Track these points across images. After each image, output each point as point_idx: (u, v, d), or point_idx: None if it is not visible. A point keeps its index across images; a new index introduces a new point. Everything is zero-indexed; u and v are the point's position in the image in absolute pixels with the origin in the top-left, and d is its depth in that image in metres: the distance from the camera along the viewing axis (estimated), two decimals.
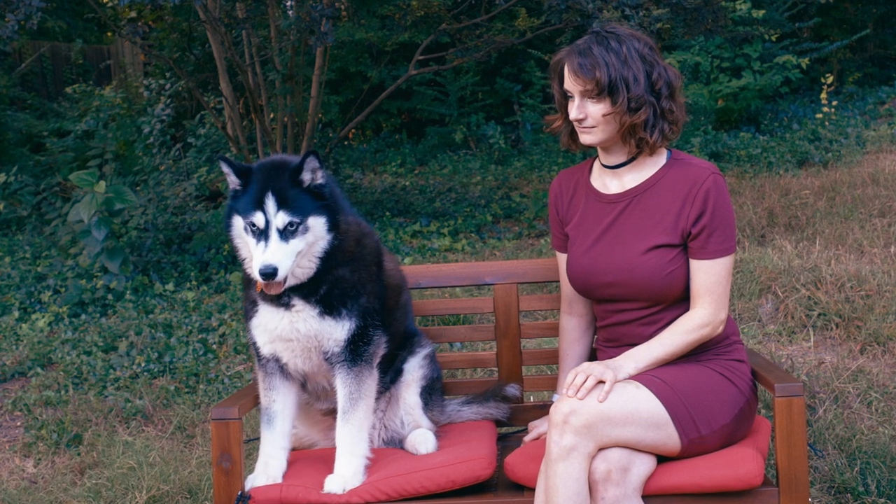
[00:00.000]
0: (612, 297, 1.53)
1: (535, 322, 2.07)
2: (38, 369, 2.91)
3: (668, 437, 1.40)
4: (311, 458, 1.60)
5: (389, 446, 1.65)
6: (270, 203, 1.43)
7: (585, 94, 1.48)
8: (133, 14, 4.93)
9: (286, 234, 1.43)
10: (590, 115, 1.49)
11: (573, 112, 1.50)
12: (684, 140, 5.00)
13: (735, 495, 1.41)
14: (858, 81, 6.75)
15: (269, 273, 1.40)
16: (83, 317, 3.34)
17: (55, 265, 3.81)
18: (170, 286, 3.50)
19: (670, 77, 1.50)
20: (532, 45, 5.67)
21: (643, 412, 1.38)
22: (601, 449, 1.37)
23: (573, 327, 1.65)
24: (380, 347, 1.56)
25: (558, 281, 1.70)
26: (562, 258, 1.64)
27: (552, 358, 1.80)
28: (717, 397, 1.45)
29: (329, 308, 1.49)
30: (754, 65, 5.58)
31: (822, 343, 2.62)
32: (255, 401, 1.60)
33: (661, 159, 1.54)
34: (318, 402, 1.65)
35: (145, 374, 2.82)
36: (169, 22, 5.21)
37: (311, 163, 1.46)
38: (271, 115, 4.51)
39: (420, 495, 1.47)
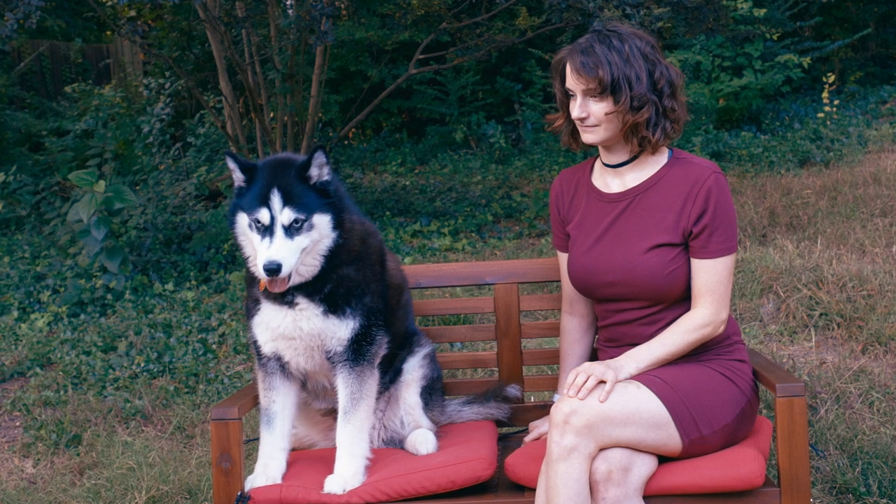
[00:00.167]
0: (613, 296, 1.52)
1: (536, 322, 2.07)
2: (38, 369, 2.90)
3: (670, 437, 1.39)
4: (311, 459, 1.60)
5: (389, 446, 1.65)
6: (276, 199, 1.42)
7: (588, 93, 1.48)
8: (132, 13, 4.92)
9: (291, 230, 1.42)
10: (592, 114, 1.49)
11: (575, 111, 1.50)
12: (685, 139, 4.99)
13: (736, 496, 1.41)
14: (860, 80, 6.74)
15: (274, 269, 1.39)
16: (82, 317, 3.33)
17: (54, 265, 3.81)
18: (169, 286, 3.49)
19: (672, 75, 1.50)
20: (533, 45, 5.66)
21: (644, 412, 1.38)
22: (602, 449, 1.37)
23: (574, 327, 1.65)
24: (382, 347, 1.55)
25: (559, 281, 1.70)
26: (563, 258, 1.64)
27: (553, 358, 1.79)
28: (719, 397, 1.45)
29: (333, 307, 1.48)
30: (755, 64, 5.57)
31: (824, 343, 2.62)
32: (255, 401, 1.60)
33: (662, 158, 1.54)
34: (316, 402, 1.64)
35: (145, 374, 2.81)
36: (168, 21, 5.21)
37: (319, 158, 1.46)
38: (271, 115, 4.50)
39: (420, 496, 1.47)
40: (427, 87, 6.22)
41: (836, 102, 5.59)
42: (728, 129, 5.71)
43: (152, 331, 3.09)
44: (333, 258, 1.47)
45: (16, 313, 3.37)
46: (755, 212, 3.78)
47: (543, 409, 1.75)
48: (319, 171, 1.46)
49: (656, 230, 1.49)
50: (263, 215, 1.42)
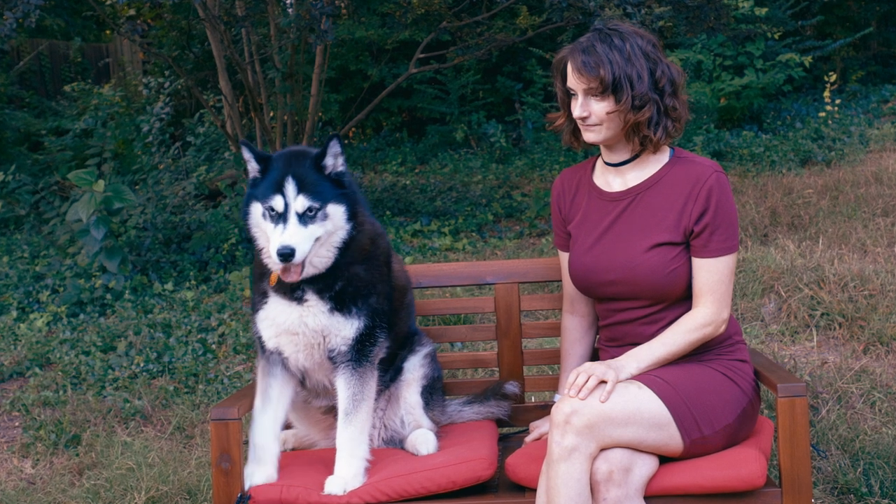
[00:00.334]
0: (614, 295, 1.52)
1: (537, 322, 2.07)
2: (37, 369, 2.90)
3: (671, 437, 1.39)
4: (312, 459, 1.59)
5: (389, 446, 1.65)
6: (290, 187, 1.42)
7: (589, 92, 1.48)
8: (132, 12, 4.92)
9: (305, 218, 1.42)
10: (593, 113, 1.49)
11: (577, 110, 1.50)
12: (687, 139, 4.98)
13: (737, 496, 1.41)
14: (862, 80, 6.73)
15: (287, 254, 1.38)
16: (81, 316, 3.33)
17: (53, 265, 3.80)
18: (169, 286, 3.49)
19: (673, 74, 1.49)
20: (533, 44, 5.65)
21: (645, 412, 1.37)
22: (603, 449, 1.36)
23: (575, 327, 1.64)
24: (382, 349, 1.55)
25: (560, 280, 1.70)
26: (564, 257, 1.63)
27: (553, 358, 1.79)
28: (720, 397, 1.44)
29: (340, 304, 1.48)
30: (757, 63, 5.56)
31: (825, 343, 2.61)
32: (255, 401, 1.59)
33: (663, 157, 1.54)
34: (316, 400, 1.64)
35: (144, 374, 2.81)
36: (168, 20, 5.20)
37: (335, 147, 1.46)
38: (271, 114, 4.50)
39: (420, 496, 1.46)
40: (427, 86, 6.21)
41: (837, 102, 5.58)
42: (729, 128, 5.70)
43: (152, 331, 3.08)
44: (346, 253, 1.47)
45: (15, 313, 3.37)
46: (756, 211, 3.77)
47: (544, 410, 1.75)
48: (335, 160, 1.46)
49: (657, 229, 1.49)
50: (277, 202, 1.42)
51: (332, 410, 1.61)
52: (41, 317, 3.31)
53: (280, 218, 1.42)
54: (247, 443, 1.88)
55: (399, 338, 1.63)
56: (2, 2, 3.05)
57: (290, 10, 3.68)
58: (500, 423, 1.76)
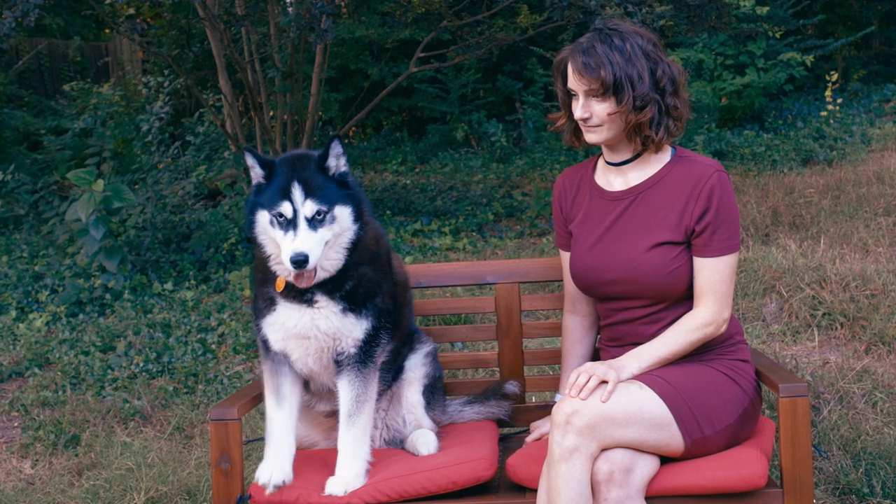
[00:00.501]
0: (615, 294, 1.52)
1: (537, 322, 2.06)
2: (36, 369, 2.89)
3: (672, 437, 1.39)
4: (312, 459, 1.59)
5: (391, 446, 1.64)
6: (297, 192, 1.41)
7: (590, 94, 1.48)
8: (131, 11, 4.90)
9: (314, 222, 1.41)
10: (595, 114, 1.49)
11: (578, 111, 1.49)
12: (688, 138, 4.98)
13: (739, 496, 1.40)
14: (863, 79, 6.71)
15: (301, 261, 1.38)
16: (81, 316, 3.32)
17: (53, 264, 3.80)
18: (168, 286, 3.48)
19: (674, 73, 1.49)
20: (534, 43, 5.64)
21: (646, 412, 1.37)
22: (604, 450, 1.36)
23: (576, 326, 1.64)
24: (386, 350, 1.55)
25: (560, 280, 1.70)
26: (565, 256, 1.63)
27: (554, 358, 1.79)
28: (721, 397, 1.44)
29: (352, 305, 1.48)
30: (758, 62, 5.55)
31: (827, 343, 2.60)
32: (255, 401, 1.59)
33: (665, 156, 1.54)
34: (320, 404, 1.63)
35: (143, 374, 2.80)
36: (167, 19, 5.19)
37: (336, 148, 1.45)
38: (271, 113, 4.49)
39: (421, 496, 1.46)
40: (428, 85, 6.20)
41: (839, 101, 5.55)
42: (731, 127, 5.69)
43: (151, 331, 3.08)
44: (354, 253, 1.47)
45: (14, 313, 3.36)
46: (758, 211, 3.77)
47: (545, 410, 1.75)
48: (337, 161, 1.46)
49: (659, 228, 1.49)
50: (286, 209, 1.41)
51: (334, 414, 1.61)
52: (40, 317, 3.31)
53: (290, 224, 1.41)
54: (247, 443, 1.88)
55: (401, 335, 1.63)
56: (1, 1, 3.04)
57: (289, 9, 3.67)
58: (500, 423, 1.76)
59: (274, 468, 1.45)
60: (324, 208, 1.42)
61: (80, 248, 3.69)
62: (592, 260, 1.52)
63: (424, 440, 1.58)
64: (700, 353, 1.49)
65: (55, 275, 3.66)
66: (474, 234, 4.13)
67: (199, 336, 3.04)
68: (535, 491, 1.42)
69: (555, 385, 1.75)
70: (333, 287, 1.47)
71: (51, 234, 4.19)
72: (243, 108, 5.15)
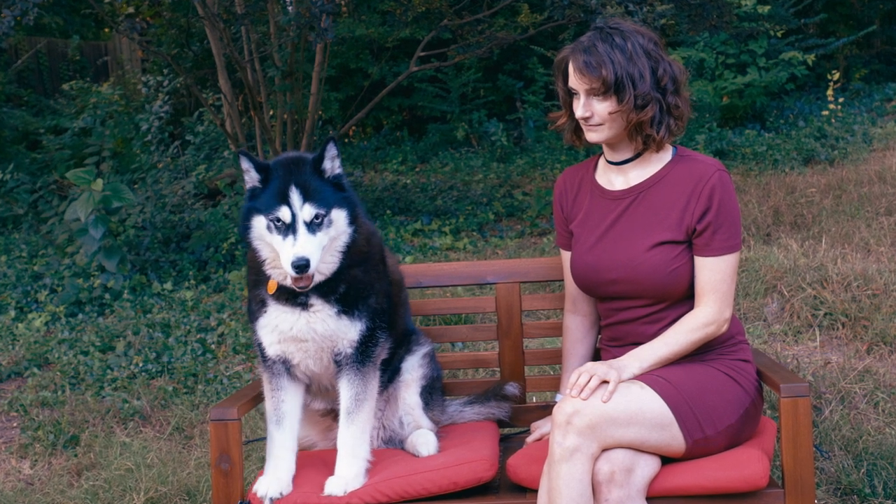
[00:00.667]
0: (616, 294, 1.51)
1: (538, 322, 2.06)
2: (35, 369, 2.89)
3: (673, 437, 1.38)
4: (312, 460, 1.58)
5: (389, 446, 1.64)
6: (296, 196, 1.40)
7: (591, 93, 1.47)
8: (131, 10, 4.90)
9: (313, 226, 1.41)
10: (596, 113, 1.48)
11: (579, 110, 1.49)
12: (689, 137, 4.97)
13: (740, 497, 1.40)
14: (865, 78, 6.69)
15: (303, 265, 1.37)
16: (80, 316, 3.31)
17: (52, 264, 3.79)
18: (168, 285, 3.48)
19: (675, 72, 1.49)
20: (535, 42, 5.63)
21: (647, 413, 1.37)
22: (605, 450, 1.35)
23: (577, 326, 1.64)
24: (385, 348, 1.55)
25: (561, 280, 1.69)
26: (566, 256, 1.63)
27: (555, 358, 1.78)
28: (722, 397, 1.43)
29: (346, 307, 1.48)
30: (760, 61, 5.54)
31: (829, 343, 2.60)
32: (255, 402, 1.58)
33: (666, 155, 1.53)
34: (315, 402, 1.63)
35: (143, 374, 2.80)
36: (167, 18, 5.18)
37: (332, 150, 1.45)
38: (271, 112, 4.48)
39: (421, 497, 1.46)
40: (428, 84, 6.19)
41: (840, 100, 5.54)
42: (732, 127, 5.68)
43: (151, 331, 3.07)
44: (348, 255, 1.47)
45: (13, 313, 3.36)
46: (759, 210, 3.76)
47: (545, 410, 1.74)
48: (332, 163, 1.45)
49: (660, 227, 1.48)
50: (284, 213, 1.40)
51: (330, 413, 1.61)
52: (39, 316, 3.30)
53: (288, 229, 1.40)
54: (247, 443, 1.87)
55: (398, 335, 1.62)
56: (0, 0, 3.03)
57: (289, 8, 3.66)
58: (501, 423, 1.75)
59: (272, 482, 1.46)
60: (322, 212, 1.41)
61: (80, 248, 3.69)
62: (593, 259, 1.52)
63: (424, 440, 1.57)
64: (701, 352, 1.48)
65: (54, 274, 3.65)
66: (475, 233, 4.13)
67: (198, 336, 3.03)
68: (535, 491, 1.42)
69: (555, 385, 1.75)
70: (328, 290, 1.47)
71: (50, 233, 4.19)
72: (243, 108, 5.14)
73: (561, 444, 1.34)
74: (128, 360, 2.87)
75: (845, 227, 3.41)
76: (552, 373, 2.30)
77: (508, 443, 1.71)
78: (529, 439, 1.62)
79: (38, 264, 3.86)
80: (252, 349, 2.89)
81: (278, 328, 1.49)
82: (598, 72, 1.44)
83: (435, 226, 4.18)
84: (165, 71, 5.75)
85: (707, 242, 1.46)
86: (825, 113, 5.41)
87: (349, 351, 1.49)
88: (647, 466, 1.37)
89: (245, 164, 1.46)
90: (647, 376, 1.42)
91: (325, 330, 1.48)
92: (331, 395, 1.58)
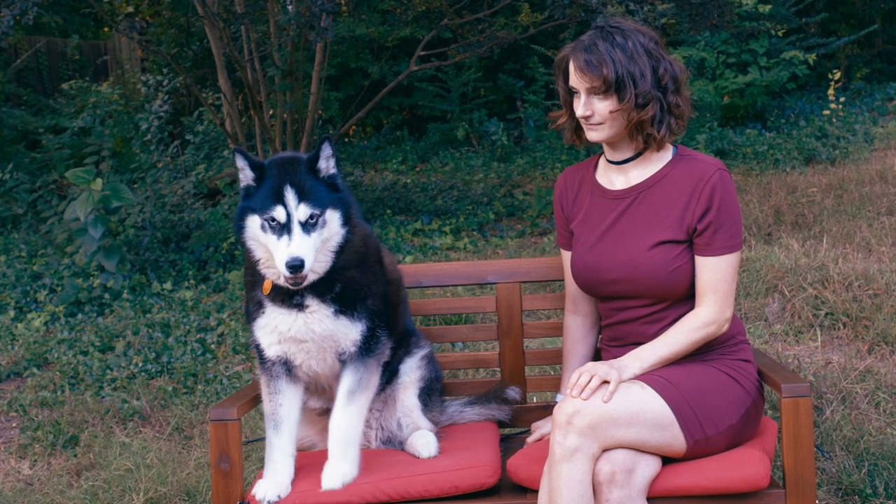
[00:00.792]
0: (616, 294, 1.51)
1: (539, 322, 2.05)
2: (34, 369, 2.89)
3: (674, 437, 1.38)
4: (311, 459, 1.57)
5: (388, 447, 1.63)
6: (290, 196, 1.40)
7: (592, 91, 1.47)
8: (130, 9, 4.89)
9: (307, 226, 1.40)
10: (597, 112, 1.48)
11: (580, 109, 1.49)
12: (690, 137, 4.96)
13: (741, 497, 1.40)
14: (866, 77, 6.68)
15: (297, 265, 1.37)
16: (80, 316, 3.31)
17: (51, 264, 3.79)
18: (167, 285, 3.47)
19: (676, 71, 1.49)
20: (535, 41, 5.62)
21: (648, 413, 1.36)
22: (605, 450, 1.35)
23: (577, 326, 1.63)
24: (387, 347, 1.55)
25: (562, 280, 1.69)
26: (566, 256, 1.62)
27: (556, 358, 1.78)
28: (723, 397, 1.43)
29: (343, 307, 1.48)
30: (761, 60, 5.53)
31: (830, 343, 2.59)
32: (255, 402, 1.58)
33: (666, 155, 1.53)
34: (311, 401, 1.63)
35: (143, 374, 2.79)
36: (166, 17, 5.17)
37: (327, 150, 1.45)
38: (270, 112, 4.47)
39: (423, 498, 1.45)
40: (428, 84, 6.18)
41: (841, 99, 5.53)
42: (733, 126, 5.67)
43: (150, 330, 3.07)
44: (342, 255, 1.46)
45: (12, 313, 3.35)
46: (760, 210, 3.75)
47: (546, 410, 1.74)
48: (327, 163, 1.45)
49: (660, 227, 1.48)
50: (279, 213, 1.40)
51: (326, 413, 1.60)
52: (39, 316, 3.30)
53: (283, 229, 1.40)
54: (246, 443, 1.86)
55: (397, 335, 1.62)
56: None
57: (289, 8, 3.65)
58: (501, 423, 1.75)
59: (270, 485, 1.46)
60: (317, 212, 1.41)
61: (79, 248, 3.68)
62: (594, 259, 1.52)
63: (425, 441, 1.57)
64: (702, 352, 1.48)
65: (54, 274, 3.65)
66: (475, 233, 4.12)
67: (198, 336, 3.03)
68: (536, 492, 1.42)
69: (556, 385, 1.74)
70: (323, 290, 1.47)
71: (49, 233, 4.18)
72: (243, 107, 5.13)
73: (561, 445, 1.33)
74: (127, 360, 2.87)
75: (846, 227, 3.41)
76: (553, 373, 2.30)
77: (509, 443, 1.71)
78: (530, 439, 1.62)
79: (38, 264, 3.85)
80: (252, 349, 2.88)
81: (277, 329, 1.49)
82: (599, 70, 1.44)
83: (435, 225, 4.18)
84: (165, 70, 5.74)
85: (708, 242, 1.46)
86: (826, 112, 5.40)
87: (353, 350, 1.49)
88: (648, 467, 1.37)
89: (240, 162, 1.45)
90: (648, 376, 1.41)
91: (323, 330, 1.47)
92: (325, 394, 1.58)
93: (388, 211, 4.43)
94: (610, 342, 1.56)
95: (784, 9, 5.72)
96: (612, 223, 1.51)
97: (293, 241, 1.38)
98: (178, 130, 5.71)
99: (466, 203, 4.54)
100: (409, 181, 5.18)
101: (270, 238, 1.41)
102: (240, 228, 1.45)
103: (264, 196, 1.41)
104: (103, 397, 2.66)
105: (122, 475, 2.13)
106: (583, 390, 1.36)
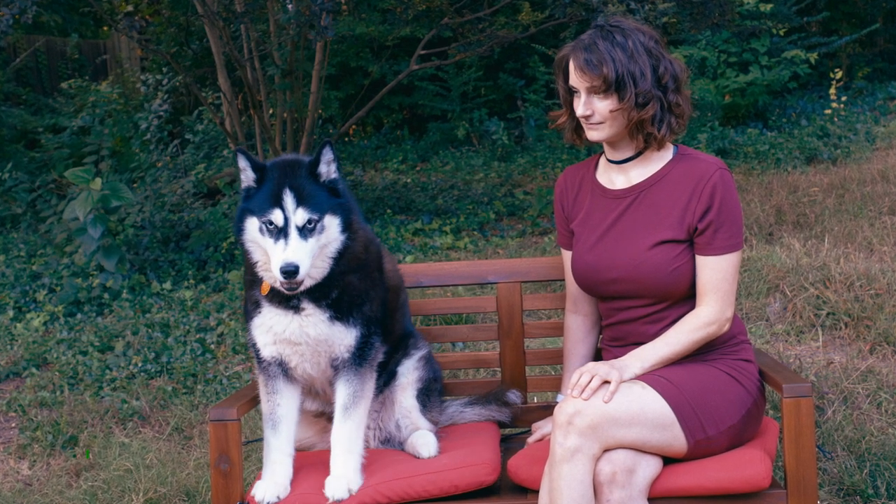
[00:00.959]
0: (617, 293, 1.51)
1: (539, 321, 2.04)
2: (33, 369, 2.88)
3: (675, 437, 1.38)
4: (311, 460, 1.57)
5: (387, 447, 1.63)
6: (289, 199, 1.39)
7: (592, 91, 1.47)
8: (130, 8, 4.88)
9: (305, 231, 1.40)
10: (597, 112, 1.48)
11: (580, 109, 1.48)
12: (691, 136, 4.95)
13: (742, 497, 1.39)
14: (868, 76, 6.67)
15: (292, 271, 1.36)
16: (79, 316, 3.31)
17: (50, 263, 3.78)
18: (167, 285, 3.47)
19: (676, 70, 1.48)
20: (536, 40, 5.61)
21: (649, 413, 1.36)
22: (606, 450, 1.35)
23: (578, 326, 1.63)
24: (380, 352, 1.55)
25: (562, 280, 1.69)
26: (567, 255, 1.62)
27: (556, 358, 1.77)
28: (724, 398, 1.43)
29: (339, 313, 1.47)
30: (762, 59, 5.52)
31: (831, 343, 2.59)
32: (254, 402, 1.58)
33: (667, 154, 1.53)
34: (307, 402, 1.62)
35: (142, 374, 2.79)
36: (166, 16, 5.17)
37: (328, 154, 1.44)
38: (270, 111, 4.47)
39: (422, 499, 1.45)
40: (429, 83, 6.17)
41: (843, 99, 5.52)
42: (734, 125, 5.66)
43: (150, 330, 3.06)
44: (340, 261, 1.46)
45: (11, 313, 3.35)
46: (761, 210, 3.74)
47: (546, 410, 1.74)
48: (328, 168, 1.44)
49: (661, 226, 1.48)
50: (277, 216, 1.39)
51: (322, 415, 1.60)
52: (38, 316, 3.29)
53: (280, 233, 1.39)
54: (246, 444, 1.86)
55: (394, 339, 1.62)
56: None
57: (289, 7, 3.64)
58: (501, 423, 1.74)
59: (269, 486, 1.45)
60: (315, 217, 1.40)
61: (78, 248, 3.68)
62: (594, 259, 1.51)
63: (425, 442, 1.57)
64: (703, 352, 1.47)
65: (53, 274, 3.64)
66: (475, 233, 4.11)
67: (197, 336, 3.02)
68: (536, 492, 1.41)
69: (556, 385, 1.74)
70: (320, 295, 1.46)
71: (48, 233, 4.18)
72: (242, 106, 5.13)
73: (562, 445, 1.33)
74: (127, 360, 2.87)
75: (848, 227, 3.40)
76: (553, 373, 2.29)
77: (509, 443, 1.70)
78: (530, 440, 1.61)
79: (37, 264, 3.85)
80: (250, 349, 2.87)
81: (272, 329, 1.48)
82: (599, 70, 1.43)
83: (435, 225, 4.17)
84: (164, 69, 5.73)
85: (708, 241, 1.45)
86: (828, 112, 5.38)
87: (346, 356, 1.49)
88: (649, 467, 1.37)
89: (242, 163, 1.44)
90: (649, 376, 1.41)
91: (317, 334, 1.47)
92: (323, 397, 1.58)
93: (389, 210, 4.43)
94: (610, 342, 1.56)
95: (785, 8, 5.71)
96: (613, 223, 1.51)
97: (289, 245, 1.38)
98: (177, 130, 5.70)
99: (467, 202, 4.53)
100: (409, 180, 5.17)
101: (268, 241, 1.41)
102: (239, 230, 1.44)
103: (263, 199, 1.41)
104: (103, 397, 2.65)
105: (121, 475, 2.12)
106: (583, 390, 1.36)
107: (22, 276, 3.71)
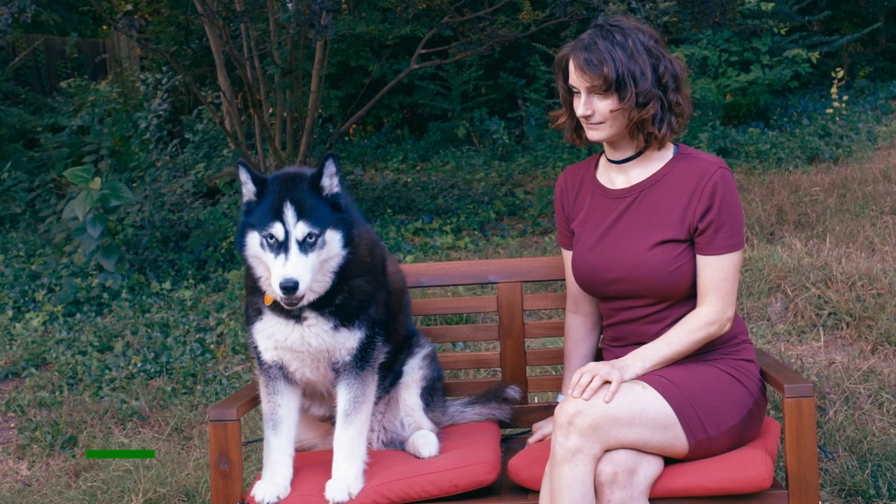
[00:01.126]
0: (617, 293, 1.50)
1: (540, 321, 2.04)
2: (33, 369, 2.88)
3: (676, 438, 1.37)
4: (311, 460, 1.57)
5: (389, 447, 1.63)
6: (290, 213, 1.38)
7: (592, 90, 1.46)
8: (129, 7, 4.87)
9: (305, 246, 1.38)
10: (597, 112, 1.47)
11: (580, 109, 1.48)
12: (692, 135, 4.95)
13: (743, 498, 1.39)
14: (870, 76, 6.66)
15: (291, 287, 1.35)
16: (78, 316, 3.30)
17: (50, 263, 3.78)
18: (167, 285, 3.46)
19: (676, 69, 1.48)
20: (536, 39, 5.60)
21: (650, 413, 1.36)
22: (607, 451, 1.35)
23: (579, 326, 1.63)
24: (382, 353, 1.54)
25: (563, 279, 1.68)
26: (567, 255, 1.62)
27: (557, 358, 1.77)
28: (725, 398, 1.43)
29: (343, 319, 1.46)
30: (763, 59, 5.51)
31: (833, 343, 2.58)
32: (254, 402, 1.58)
33: (667, 154, 1.52)
34: (314, 407, 1.62)
35: (141, 374, 2.78)
36: (165, 15, 5.16)
37: (330, 167, 1.42)
38: (270, 110, 4.46)
39: (423, 499, 1.45)
40: (429, 82, 6.16)
41: (845, 98, 5.51)
42: (735, 125, 5.66)
43: (149, 330, 3.06)
44: (343, 272, 1.45)
45: (10, 312, 3.34)
46: (763, 209, 3.74)
47: (547, 410, 1.73)
48: (331, 181, 1.43)
49: (661, 226, 1.47)
50: (277, 230, 1.38)
51: (329, 419, 1.60)
52: (37, 316, 3.29)
53: (280, 247, 1.37)
54: (246, 444, 1.86)
55: (398, 340, 1.61)
56: None
57: (289, 6, 3.63)
58: (502, 424, 1.74)
59: (269, 486, 1.45)
60: (316, 231, 1.38)
61: (78, 247, 3.67)
62: (594, 258, 1.51)
63: (425, 441, 1.56)
64: (704, 352, 1.47)
65: (52, 274, 3.64)
66: (476, 232, 4.11)
67: (197, 336, 3.02)
68: (537, 492, 1.41)
69: (557, 385, 1.74)
70: (323, 304, 1.45)
71: (48, 232, 4.17)
72: (242, 106, 5.12)
73: (563, 445, 1.33)
74: (126, 360, 2.86)
75: (850, 226, 3.39)
76: (554, 373, 2.29)
77: (510, 443, 1.70)
78: (531, 440, 1.61)
79: (36, 263, 3.84)
80: (251, 350, 2.87)
81: (273, 336, 1.48)
82: (599, 69, 1.43)
83: (436, 225, 4.17)
84: (164, 68, 5.72)
85: (709, 241, 1.45)
86: (829, 111, 5.37)
87: (347, 359, 1.48)
88: (650, 467, 1.36)
89: (243, 176, 1.43)
90: (650, 376, 1.41)
91: (319, 344, 1.46)
92: (327, 401, 1.57)
93: (389, 210, 4.42)
94: (611, 342, 1.56)
95: (787, 7, 5.70)
96: (613, 222, 1.51)
97: (289, 260, 1.36)
98: (177, 129, 5.69)
99: (467, 202, 4.53)
100: (409, 180, 5.17)
101: (269, 256, 1.39)
102: (241, 246, 1.43)
103: (264, 212, 1.39)
104: (102, 397, 2.65)
105: (120, 476, 2.12)
106: (584, 390, 1.36)
107: (21, 276, 3.70)
